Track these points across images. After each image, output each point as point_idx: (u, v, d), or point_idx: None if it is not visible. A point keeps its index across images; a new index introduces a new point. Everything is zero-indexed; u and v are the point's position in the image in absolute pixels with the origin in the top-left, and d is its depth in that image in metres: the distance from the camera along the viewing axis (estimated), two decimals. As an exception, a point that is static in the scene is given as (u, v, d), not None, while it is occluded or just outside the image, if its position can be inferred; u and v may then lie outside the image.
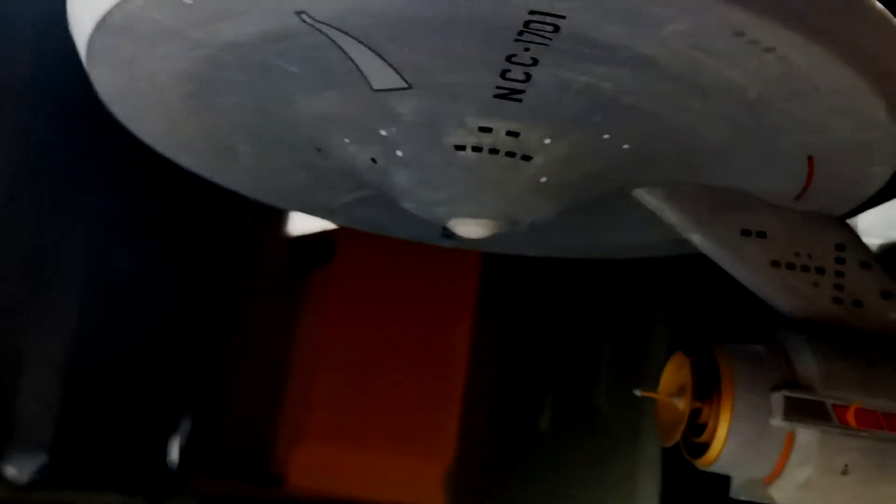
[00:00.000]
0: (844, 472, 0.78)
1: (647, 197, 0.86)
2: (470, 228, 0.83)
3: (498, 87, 0.68)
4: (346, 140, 0.79)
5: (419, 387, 1.76)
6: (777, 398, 0.78)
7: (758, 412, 0.79)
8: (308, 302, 2.08)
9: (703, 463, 0.82)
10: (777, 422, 0.77)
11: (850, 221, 1.19)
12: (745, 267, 0.86)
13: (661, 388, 0.87)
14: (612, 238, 1.06)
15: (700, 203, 0.85)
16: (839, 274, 0.87)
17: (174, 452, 1.61)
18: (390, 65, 0.67)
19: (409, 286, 1.77)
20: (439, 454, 1.74)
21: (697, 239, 0.86)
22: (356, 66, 0.67)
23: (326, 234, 1.65)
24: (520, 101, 0.69)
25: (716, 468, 0.81)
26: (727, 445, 0.79)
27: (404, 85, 0.69)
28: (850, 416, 0.77)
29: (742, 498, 0.84)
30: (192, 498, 1.63)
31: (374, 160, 0.80)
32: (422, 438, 1.76)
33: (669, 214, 0.85)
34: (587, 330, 1.54)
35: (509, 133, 0.73)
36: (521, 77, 0.66)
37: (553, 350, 1.57)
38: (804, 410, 0.77)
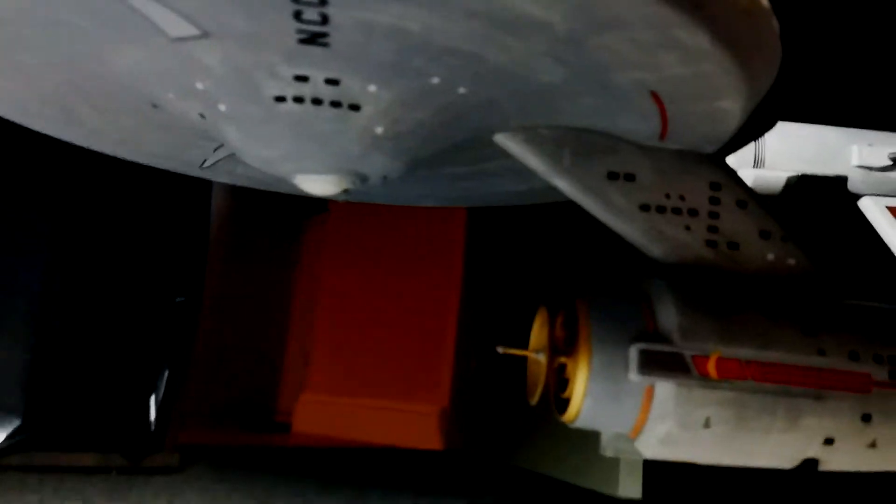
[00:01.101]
0: (706, 426, 0.74)
1: (507, 143, 0.81)
2: (316, 185, 0.79)
3: (299, 32, 0.62)
4: (171, 95, 0.74)
5: (414, 332, 1.80)
6: (633, 351, 0.74)
7: (616, 367, 0.75)
8: (304, 252, 2.09)
9: (566, 419, 0.78)
10: (633, 376, 0.73)
11: (755, 155, 1.14)
12: (611, 212, 0.81)
13: (530, 344, 0.84)
14: (495, 186, 1.01)
15: (561, 146, 0.80)
16: (713, 215, 0.82)
17: (152, 409, 1.61)
18: (177, 12, 0.62)
19: (402, 234, 1.81)
20: (435, 397, 1.75)
21: (562, 184, 0.81)
22: (144, 15, 0.62)
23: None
24: (327, 45, 0.64)
25: (580, 424, 0.78)
26: (586, 402, 0.75)
27: (198, 33, 0.63)
28: (711, 367, 0.73)
29: (608, 454, 0.80)
30: (174, 452, 1.63)
31: (202, 116, 0.75)
32: (418, 382, 1.78)
33: (531, 159, 0.80)
34: (577, 271, 1.52)
35: (328, 81, 0.68)
36: (317, 18, 0.60)
37: (543, 292, 1.56)
38: (661, 363, 0.73)
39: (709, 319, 0.75)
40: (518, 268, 1.75)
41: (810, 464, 0.77)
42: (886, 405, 0.74)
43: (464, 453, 1.80)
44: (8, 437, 1.54)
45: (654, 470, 1.38)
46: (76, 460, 1.57)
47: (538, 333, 0.83)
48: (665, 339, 0.74)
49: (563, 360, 0.78)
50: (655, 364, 0.73)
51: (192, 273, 1.67)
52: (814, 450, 0.76)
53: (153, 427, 1.61)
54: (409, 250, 1.83)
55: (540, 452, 1.58)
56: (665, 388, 0.74)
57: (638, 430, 0.76)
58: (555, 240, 1.60)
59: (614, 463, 1.37)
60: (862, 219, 1.07)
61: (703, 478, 1.19)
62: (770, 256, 0.82)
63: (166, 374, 1.62)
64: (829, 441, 0.75)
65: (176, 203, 1.62)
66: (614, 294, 0.80)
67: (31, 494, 1.39)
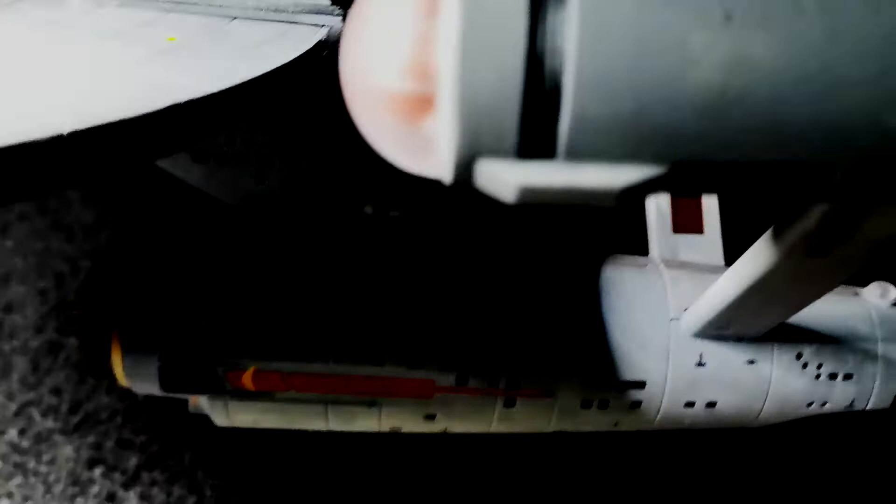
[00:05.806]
0: (256, 425, 0.68)
1: None
2: None
3: None
4: None
5: None
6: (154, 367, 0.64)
7: (146, 376, 0.66)
8: None
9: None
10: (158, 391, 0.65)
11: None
12: None
13: None
14: None
15: None
16: None
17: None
18: None
19: None
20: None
21: None
22: None
23: None
24: None
25: None
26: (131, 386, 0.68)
27: None
28: (247, 381, 0.65)
29: (190, 410, 0.75)
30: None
31: None
32: None
33: None
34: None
35: None
36: None
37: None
38: (188, 380, 0.64)
39: (255, 333, 0.64)
40: None
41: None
42: (449, 407, 0.67)
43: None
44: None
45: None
46: None
47: None
48: (192, 350, 0.64)
49: None
50: (181, 380, 0.64)
51: None
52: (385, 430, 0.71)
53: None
54: None
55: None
56: (201, 398, 0.66)
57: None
58: None
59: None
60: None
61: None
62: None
63: None
64: (396, 429, 0.70)
65: None
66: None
67: None
